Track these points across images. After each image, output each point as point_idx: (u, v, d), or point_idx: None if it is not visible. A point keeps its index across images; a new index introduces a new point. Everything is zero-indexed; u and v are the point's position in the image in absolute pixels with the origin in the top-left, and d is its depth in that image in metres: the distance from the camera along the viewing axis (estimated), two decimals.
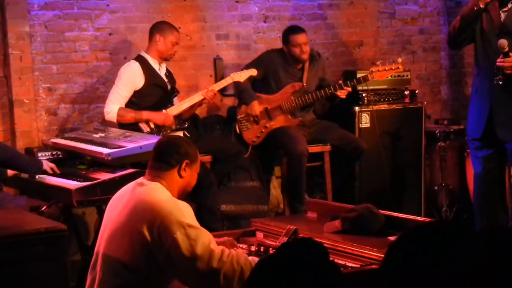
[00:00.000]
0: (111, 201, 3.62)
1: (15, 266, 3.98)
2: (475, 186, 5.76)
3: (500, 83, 5.35)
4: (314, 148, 6.58)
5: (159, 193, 3.40)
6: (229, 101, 7.01)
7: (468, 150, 6.50)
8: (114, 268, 3.39)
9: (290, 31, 6.67)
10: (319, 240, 2.44)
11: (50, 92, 6.57)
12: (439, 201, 7.08)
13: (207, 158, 6.20)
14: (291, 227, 3.95)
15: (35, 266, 4.01)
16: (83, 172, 5.44)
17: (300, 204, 6.34)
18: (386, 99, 7.10)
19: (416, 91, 7.28)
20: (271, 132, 6.59)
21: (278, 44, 7.23)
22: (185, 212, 3.33)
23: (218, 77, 7.06)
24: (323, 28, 7.55)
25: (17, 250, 4.01)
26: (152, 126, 6.16)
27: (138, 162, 5.28)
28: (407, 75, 7.17)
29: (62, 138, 5.99)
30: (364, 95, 6.91)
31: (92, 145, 5.56)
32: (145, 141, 5.36)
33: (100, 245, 3.49)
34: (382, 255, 3.39)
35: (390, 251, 1.98)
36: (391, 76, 6.89)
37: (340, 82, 6.55)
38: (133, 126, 6.08)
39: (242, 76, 6.47)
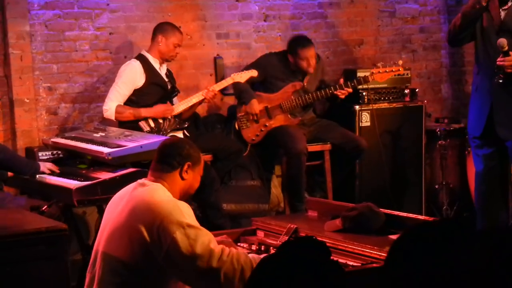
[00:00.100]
0: (111, 200, 3.62)
1: (16, 265, 3.98)
2: (476, 185, 5.76)
3: (500, 81, 5.35)
4: (314, 147, 6.58)
5: (159, 194, 3.40)
6: (230, 100, 7.01)
7: (469, 149, 6.51)
8: (113, 267, 3.39)
9: (299, 44, 6.62)
10: (320, 239, 2.44)
11: (51, 92, 6.57)
12: (439, 199, 7.09)
13: (207, 157, 6.20)
14: (291, 226, 3.94)
15: (35, 265, 4.01)
16: (83, 172, 5.44)
17: (300, 203, 6.34)
18: (387, 98, 7.10)
19: (417, 90, 7.28)
20: (270, 131, 6.59)
21: (279, 43, 7.24)
22: (185, 212, 3.33)
23: (218, 76, 7.06)
24: (324, 27, 7.55)
25: (18, 249, 4.01)
26: (152, 125, 6.16)
27: (139, 162, 5.28)
28: (407, 74, 7.16)
29: (62, 137, 5.98)
30: (364, 93, 6.91)
31: (93, 144, 5.56)
32: (146, 140, 5.36)
33: (100, 244, 3.50)
34: (383, 254, 3.41)
35: (393, 249, 1.98)
36: (392, 76, 6.89)
37: (341, 82, 6.54)
38: (133, 125, 6.08)
39: (242, 76, 6.46)
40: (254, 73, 6.50)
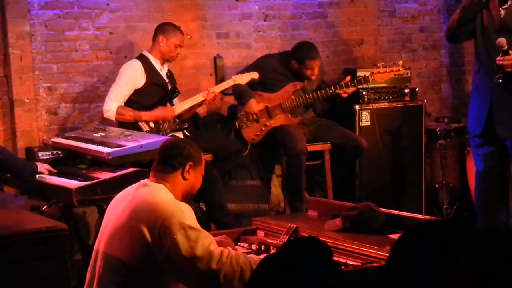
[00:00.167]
0: (113, 200, 3.62)
1: (16, 265, 3.98)
2: (477, 184, 5.76)
3: (500, 81, 5.36)
4: (314, 147, 6.58)
5: (161, 195, 3.41)
6: (230, 100, 7.01)
7: (468, 148, 6.51)
8: (113, 266, 3.39)
9: (308, 56, 6.58)
10: (320, 238, 2.43)
11: (51, 92, 6.57)
12: (439, 199, 7.09)
13: (208, 157, 6.19)
14: (292, 226, 3.94)
15: (35, 265, 4.02)
16: (83, 172, 5.44)
17: (300, 202, 6.34)
18: (387, 97, 7.10)
19: (417, 89, 7.29)
20: (270, 130, 6.59)
21: (279, 43, 7.25)
22: (187, 214, 3.33)
23: (218, 76, 7.06)
24: (323, 27, 7.55)
25: (18, 249, 4.01)
26: (152, 125, 6.16)
27: (139, 161, 5.29)
28: (407, 73, 7.16)
29: (62, 137, 5.99)
30: (364, 93, 6.91)
31: (93, 144, 5.56)
32: (146, 140, 5.36)
33: (100, 244, 3.50)
34: (383, 253, 3.41)
35: (395, 248, 1.98)
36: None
37: (347, 80, 6.53)
38: (133, 125, 6.08)
39: (243, 78, 6.46)
40: (255, 75, 6.49)
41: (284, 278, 2.10)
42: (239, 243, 4.07)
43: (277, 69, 6.67)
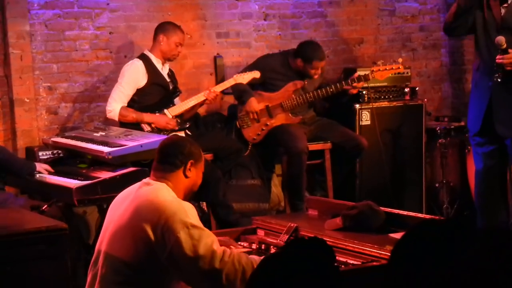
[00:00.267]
0: (115, 199, 3.63)
1: (16, 265, 3.98)
2: (476, 183, 5.76)
3: (499, 80, 5.36)
4: (314, 146, 6.58)
5: (163, 194, 3.41)
6: (230, 99, 7.01)
7: (469, 147, 6.50)
8: (115, 266, 3.39)
9: (316, 57, 6.57)
10: (320, 237, 2.43)
11: (51, 91, 6.57)
12: (440, 198, 7.08)
13: (208, 156, 6.19)
14: (292, 225, 3.95)
15: (35, 265, 4.02)
16: (83, 171, 5.45)
17: (300, 201, 6.34)
18: (387, 97, 7.10)
19: (417, 88, 7.28)
20: (271, 130, 6.59)
21: (279, 42, 7.24)
22: (189, 213, 3.34)
23: (218, 76, 7.06)
24: (323, 26, 7.55)
25: (18, 249, 4.01)
26: (153, 125, 6.16)
27: (139, 161, 5.29)
28: (407, 73, 7.17)
29: (62, 137, 5.99)
30: (364, 92, 6.90)
31: (93, 143, 5.56)
32: (146, 140, 5.36)
33: (102, 243, 3.49)
34: (383, 252, 3.42)
35: (397, 248, 1.98)
36: (392, 74, 6.89)
37: (355, 77, 6.52)
38: (135, 125, 6.08)
39: (245, 78, 6.45)
40: (256, 74, 6.49)
41: (284, 278, 2.10)
42: (239, 242, 4.07)
43: (277, 69, 6.67)
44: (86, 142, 5.63)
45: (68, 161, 5.76)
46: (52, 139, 5.98)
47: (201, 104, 6.37)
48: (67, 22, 6.60)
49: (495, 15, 5.48)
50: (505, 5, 5.47)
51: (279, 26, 7.35)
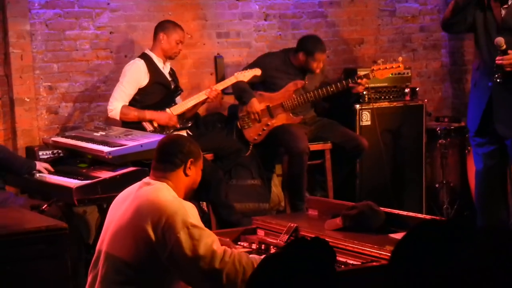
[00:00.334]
0: (115, 199, 3.62)
1: (16, 264, 3.98)
2: (477, 183, 5.76)
3: (498, 81, 5.37)
4: (315, 146, 6.58)
5: (164, 193, 3.41)
6: (230, 99, 7.01)
7: (469, 148, 6.51)
8: (116, 266, 3.39)
9: (318, 48, 6.60)
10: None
11: (51, 91, 6.57)
12: (440, 198, 7.09)
13: (208, 156, 6.20)
14: (292, 225, 3.95)
15: (35, 264, 4.01)
16: (83, 171, 5.45)
17: (301, 202, 6.34)
18: (387, 97, 7.10)
19: (417, 89, 7.29)
20: (272, 130, 6.59)
21: (279, 43, 7.24)
22: (190, 212, 3.34)
23: (219, 76, 7.06)
24: (324, 26, 7.55)
25: (18, 248, 4.01)
26: (156, 125, 6.16)
27: (139, 160, 5.29)
28: (407, 73, 7.17)
29: (63, 136, 6.00)
30: (365, 92, 6.90)
31: (93, 143, 5.56)
32: (146, 139, 5.36)
33: (103, 243, 3.49)
34: (383, 252, 3.42)
35: (398, 247, 1.97)
36: (392, 74, 6.89)
37: (359, 75, 6.53)
38: (136, 125, 6.08)
39: (246, 75, 6.45)
40: (257, 72, 6.49)
41: (283, 278, 2.10)
42: (239, 242, 4.07)
43: (278, 67, 6.67)
44: (86, 142, 5.64)
45: (68, 160, 5.76)
46: (52, 138, 5.98)
47: (202, 102, 6.37)
48: (68, 22, 6.60)
49: (496, 16, 5.48)
50: (506, 6, 5.48)
51: (279, 26, 7.35)
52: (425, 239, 1.93)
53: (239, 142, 6.55)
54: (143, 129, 6.05)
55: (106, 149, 5.31)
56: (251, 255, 3.43)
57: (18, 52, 6.38)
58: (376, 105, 6.93)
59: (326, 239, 2.38)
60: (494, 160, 5.62)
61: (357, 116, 6.88)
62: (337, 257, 3.35)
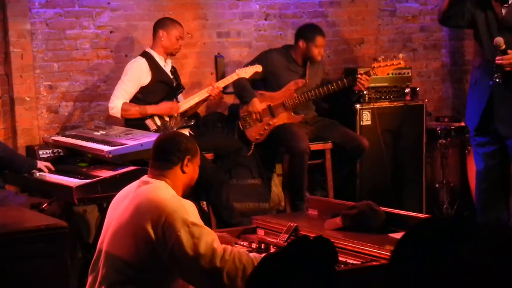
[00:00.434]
0: (115, 198, 3.62)
1: (15, 263, 3.98)
2: (477, 183, 5.76)
3: (498, 80, 5.37)
4: (315, 146, 6.58)
5: (163, 192, 3.41)
6: (230, 99, 7.01)
7: (469, 147, 6.51)
8: (117, 265, 3.39)
9: (317, 32, 6.63)
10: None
11: (51, 90, 6.57)
12: (440, 198, 7.09)
13: (208, 156, 6.20)
14: (292, 225, 3.95)
15: (35, 263, 4.01)
16: (84, 170, 5.45)
17: (301, 201, 6.34)
18: (387, 97, 7.10)
19: (417, 89, 7.29)
20: (273, 129, 6.58)
21: (279, 42, 7.23)
22: (189, 211, 3.34)
23: (219, 75, 7.06)
24: (324, 26, 7.53)
25: (17, 247, 4.01)
26: (159, 123, 6.15)
27: (139, 160, 5.28)
28: (408, 73, 7.18)
29: (63, 135, 6.00)
30: (365, 92, 6.91)
31: (93, 142, 5.57)
32: (146, 139, 5.36)
33: (103, 243, 3.49)
34: (383, 252, 3.42)
35: (398, 246, 1.97)
36: (392, 74, 6.90)
37: (360, 72, 6.53)
38: (139, 124, 6.07)
39: (247, 72, 6.46)
40: (258, 68, 6.49)
41: (283, 277, 2.10)
42: (239, 242, 4.07)
43: (279, 63, 6.67)
44: (87, 141, 5.64)
45: (69, 160, 5.76)
46: (53, 137, 5.98)
47: (204, 100, 6.38)
48: (68, 21, 6.60)
49: (496, 15, 5.48)
50: (506, 5, 5.48)
51: (279, 26, 7.35)
52: (425, 239, 1.93)
53: (240, 142, 6.55)
54: (147, 128, 6.05)
55: (106, 148, 5.32)
56: (251, 254, 3.43)
57: (18, 51, 6.38)
58: (376, 105, 6.92)
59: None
60: (495, 160, 5.63)
61: (358, 116, 6.88)
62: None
